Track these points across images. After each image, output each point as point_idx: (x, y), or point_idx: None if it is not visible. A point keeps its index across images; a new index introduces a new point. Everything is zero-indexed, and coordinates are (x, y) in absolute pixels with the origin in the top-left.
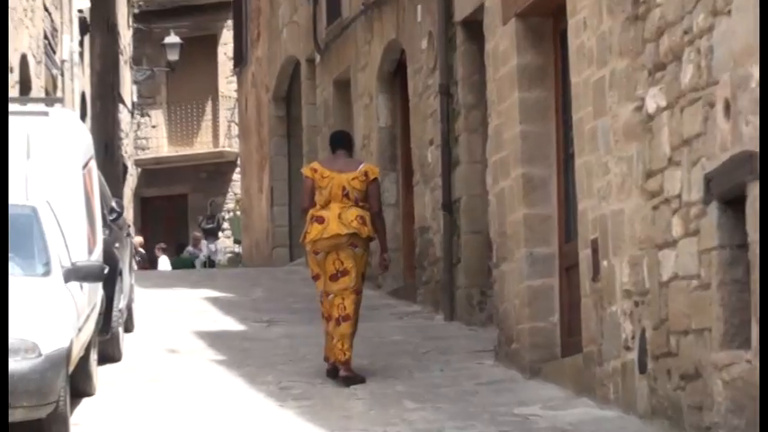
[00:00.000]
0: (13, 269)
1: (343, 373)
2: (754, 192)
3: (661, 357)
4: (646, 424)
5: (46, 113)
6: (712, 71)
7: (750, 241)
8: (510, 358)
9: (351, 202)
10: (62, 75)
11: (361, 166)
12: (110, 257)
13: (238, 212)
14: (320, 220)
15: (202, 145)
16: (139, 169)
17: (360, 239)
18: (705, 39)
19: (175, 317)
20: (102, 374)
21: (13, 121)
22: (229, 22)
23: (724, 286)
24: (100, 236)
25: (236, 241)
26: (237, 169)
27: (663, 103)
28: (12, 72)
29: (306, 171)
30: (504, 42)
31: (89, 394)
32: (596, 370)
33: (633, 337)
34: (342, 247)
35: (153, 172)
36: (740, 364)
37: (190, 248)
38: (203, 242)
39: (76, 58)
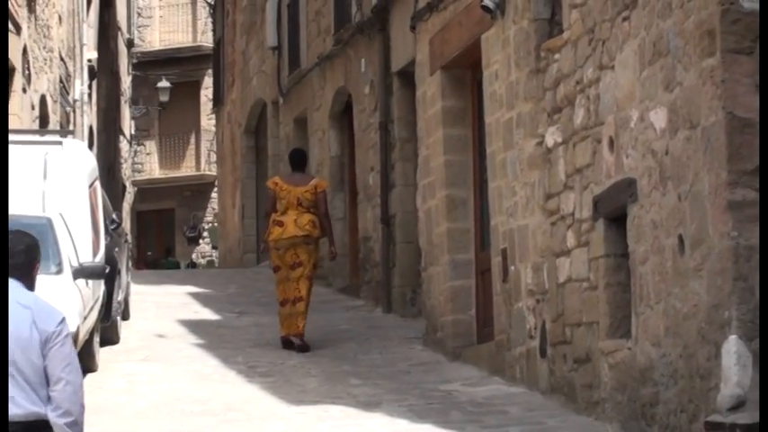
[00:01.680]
0: None
1: (298, 342)
2: (633, 211)
3: (558, 345)
4: (547, 399)
5: (60, 143)
6: (599, 113)
7: (630, 251)
8: (436, 344)
9: (304, 209)
10: (74, 112)
11: (312, 181)
12: (110, 259)
13: (216, 224)
14: (280, 224)
15: (187, 169)
16: (136, 188)
17: (311, 239)
18: (593, 88)
19: (163, 308)
20: (103, 354)
21: (33, 149)
22: (210, 71)
23: (609, 287)
24: (102, 242)
25: (214, 247)
26: (215, 189)
27: (559, 140)
28: (33, 109)
29: (269, 184)
30: (431, 89)
31: (92, 370)
32: (506, 354)
33: (536, 328)
34: (298, 245)
35: (146, 190)
36: (622, 351)
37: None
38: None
39: (86, 98)
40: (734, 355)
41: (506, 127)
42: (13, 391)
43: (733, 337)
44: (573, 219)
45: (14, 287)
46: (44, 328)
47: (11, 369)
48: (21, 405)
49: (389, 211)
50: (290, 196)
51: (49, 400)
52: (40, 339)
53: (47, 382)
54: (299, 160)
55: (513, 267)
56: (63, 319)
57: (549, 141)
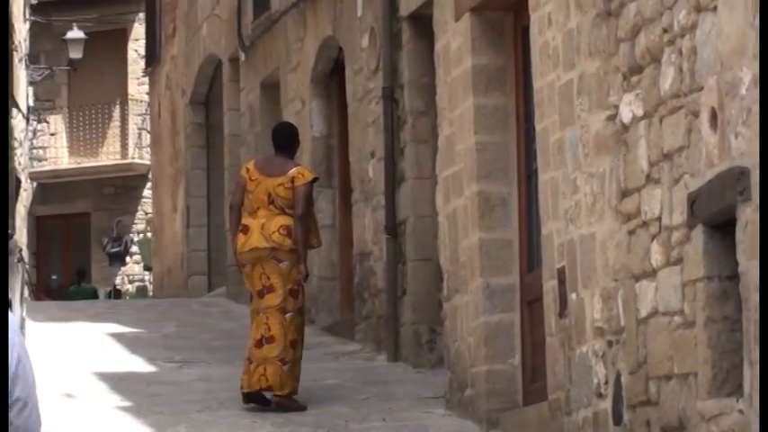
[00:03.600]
0: None
1: (274, 398)
2: (745, 214)
3: (639, 406)
4: None
5: None
6: (696, 75)
7: (741, 271)
8: (464, 407)
9: (277, 210)
10: None
11: (291, 170)
12: None
13: (149, 234)
14: (245, 230)
15: (108, 156)
16: (35, 183)
17: (285, 253)
18: (687, 38)
19: (73, 356)
20: None
21: None
22: (141, 16)
23: (712, 324)
24: None
25: (147, 268)
26: (149, 184)
27: (640, 112)
28: None
29: (242, 169)
30: (456, 40)
31: None
32: (564, 421)
33: (606, 383)
34: (265, 261)
35: (50, 187)
36: (731, 415)
37: None
38: None
39: None
40: None
41: (564, 94)
42: None
43: None
44: (659, 226)
45: None
46: None
47: None
48: None
49: (397, 216)
50: (258, 190)
51: None
52: None
53: None
54: (284, 139)
55: (574, 295)
56: None
57: (626, 115)
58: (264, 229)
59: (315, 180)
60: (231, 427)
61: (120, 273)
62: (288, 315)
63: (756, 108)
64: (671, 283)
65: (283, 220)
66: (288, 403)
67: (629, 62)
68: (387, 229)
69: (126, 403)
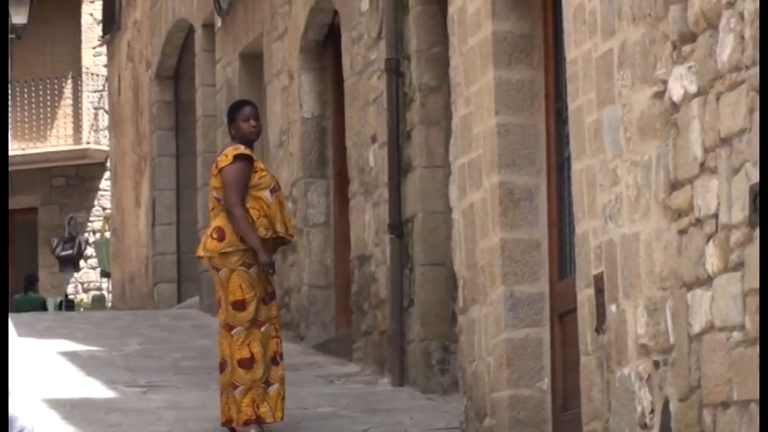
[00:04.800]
0: None
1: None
2: None
3: None
4: None
5: None
6: (761, 44)
7: None
8: None
9: (219, 207)
10: None
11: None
12: None
13: (107, 234)
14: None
15: (59, 140)
16: None
17: (219, 259)
18: (750, 0)
19: (17, 379)
20: None
21: None
22: None
23: None
24: None
25: (105, 274)
26: (107, 174)
27: (693, 88)
28: None
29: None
30: (474, 2)
31: None
32: None
33: (652, 411)
34: (211, 272)
35: None
36: None
37: None
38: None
39: None
40: None
41: (602, 67)
42: None
43: None
44: (716, 224)
45: None
46: None
47: None
48: None
49: (403, 213)
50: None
51: None
52: None
53: None
54: (228, 121)
55: (614, 307)
56: None
57: (676, 92)
58: (206, 234)
59: (243, 156)
60: None
61: (74, 280)
62: (235, 331)
63: None
64: (730, 292)
65: (219, 221)
66: None
67: (680, 28)
68: (391, 228)
69: None
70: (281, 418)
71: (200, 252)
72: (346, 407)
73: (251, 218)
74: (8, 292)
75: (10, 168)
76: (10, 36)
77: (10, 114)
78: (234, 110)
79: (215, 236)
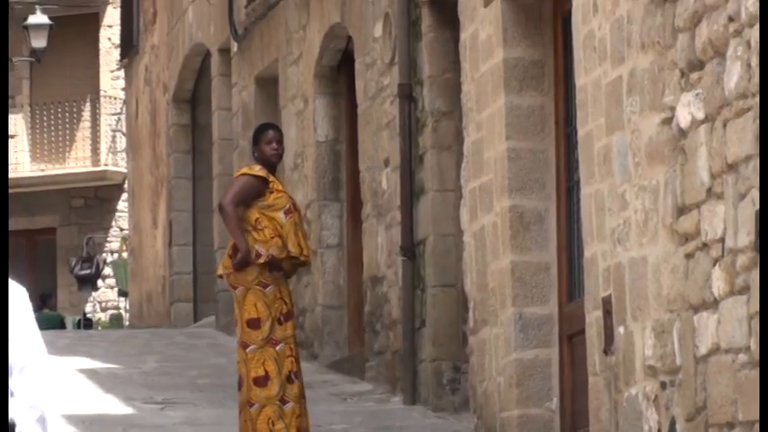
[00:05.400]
0: None
1: None
2: None
3: None
4: None
5: None
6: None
7: None
8: None
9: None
10: None
11: None
12: None
13: (125, 255)
14: None
15: (77, 162)
16: None
17: (239, 278)
18: (756, 28)
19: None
20: None
21: None
22: None
23: None
24: None
25: (122, 293)
26: (124, 196)
27: (700, 115)
28: None
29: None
30: (486, 29)
31: None
32: None
33: (659, 431)
34: (230, 290)
35: (10, 198)
36: None
37: None
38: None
39: None
40: None
41: (612, 94)
42: None
43: None
44: (722, 248)
45: None
46: None
47: None
48: None
49: (415, 235)
50: None
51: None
52: None
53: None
54: (254, 140)
55: (622, 329)
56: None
57: (684, 118)
58: (225, 253)
59: (255, 177)
60: None
61: (92, 299)
62: (249, 349)
63: None
64: (735, 315)
65: (232, 242)
66: None
67: (687, 56)
68: (403, 250)
69: None
70: None
71: (220, 271)
72: (359, 425)
73: (265, 237)
74: (8, 294)
75: (30, 190)
76: (30, 59)
77: (29, 137)
78: (258, 132)
79: (231, 253)
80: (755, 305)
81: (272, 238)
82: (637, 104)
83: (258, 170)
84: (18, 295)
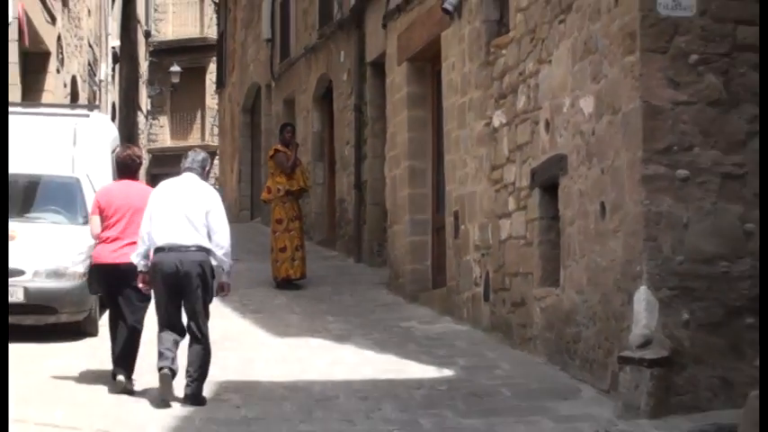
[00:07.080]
0: (63, 220)
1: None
2: (563, 182)
3: (499, 291)
4: (488, 335)
5: (87, 115)
6: (538, 100)
7: (560, 215)
8: (397, 289)
9: (271, 174)
10: (99, 90)
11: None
12: None
13: (218, 186)
14: None
15: (194, 140)
16: (151, 155)
17: (271, 199)
18: (533, 78)
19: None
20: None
21: (65, 120)
22: (214, 58)
23: (542, 244)
24: None
25: None
26: (217, 157)
27: (504, 121)
28: (65, 87)
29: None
30: (398, 77)
31: (93, 335)
32: (455, 298)
33: (480, 277)
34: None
35: (160, 157)
36: (551, 297)
37: None
38: None
39: (110, 79)
40: (643, 302)
41: (460, 110)
42: (191, 231)
43: (643, 288)
44: (514, 187)
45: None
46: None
47: (190, 220)
48: (193, 237)
49: (361, 178)
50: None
51: (210, 239)
52: (206, 210)
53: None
54: (279, 131)
55: (463, 226)
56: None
57: (496, 122)
58: (265, 188)
59: (278, 150)
60: (263, 297)
61: None
62: (276, 234)
63: (573, 120)
64: (519, 220)
65: (269, 182)
66: (279, 283)
67: (498, 92)
68: (355, 186)
69: None
70: (303, 276)
71: (263, 196)
72: (332, 272)
73: (284, 179)
74: (8, 292)
75: (170, 153)
76: (171, 89)
77: (170, 127)
78: (282, 127)
79: (266, 190)
80: (529, 215)
81: (289, 180)
82: (472, 116)
83: (281, 147)
84: (215, 194)
